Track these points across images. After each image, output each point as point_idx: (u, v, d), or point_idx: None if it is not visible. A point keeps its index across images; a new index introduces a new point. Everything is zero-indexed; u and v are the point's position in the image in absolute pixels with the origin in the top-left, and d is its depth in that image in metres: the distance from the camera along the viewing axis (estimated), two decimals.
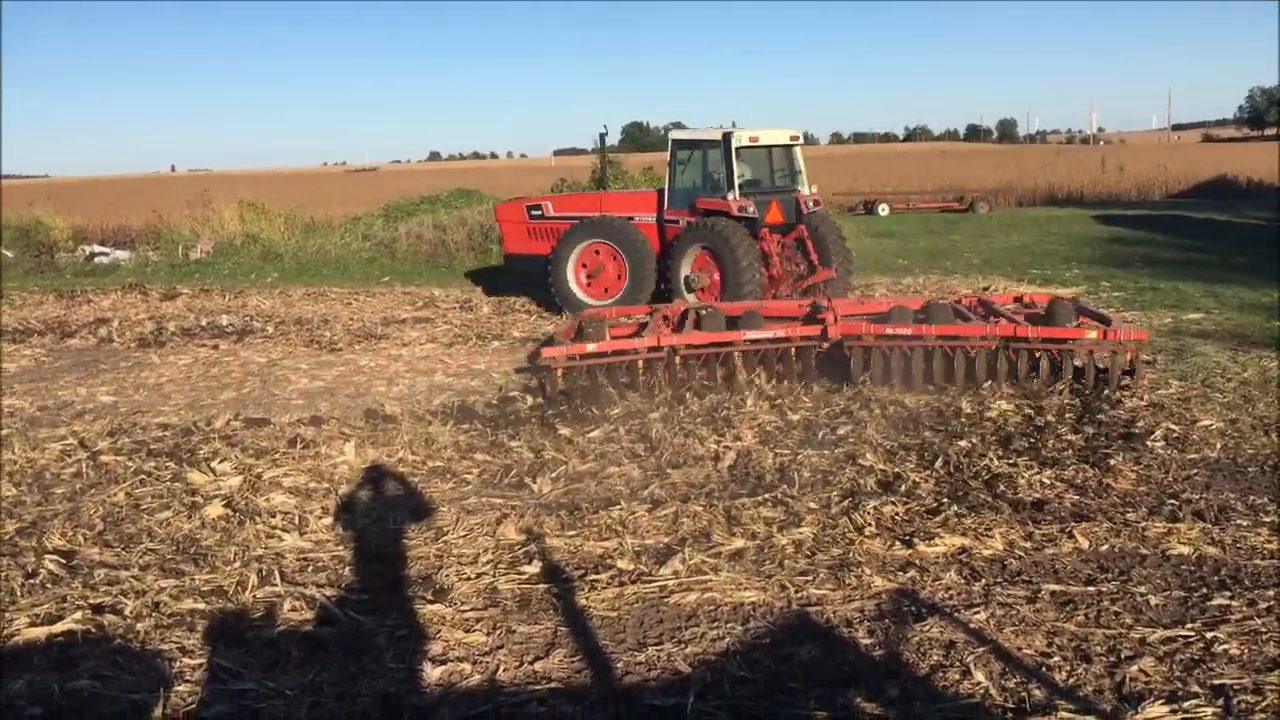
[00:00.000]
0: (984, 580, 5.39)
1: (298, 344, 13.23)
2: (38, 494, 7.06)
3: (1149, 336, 10.34)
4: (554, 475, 7.28)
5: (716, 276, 13.46)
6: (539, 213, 15.69)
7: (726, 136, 13.64)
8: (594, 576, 5.56)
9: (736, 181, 13.60)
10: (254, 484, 7.22)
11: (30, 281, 21.54)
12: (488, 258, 22.36)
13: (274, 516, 6.57)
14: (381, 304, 16.87)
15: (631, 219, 14.66)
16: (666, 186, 14.65)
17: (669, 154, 14.68)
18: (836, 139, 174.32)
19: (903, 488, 6.75)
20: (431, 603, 5.28)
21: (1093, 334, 9.14)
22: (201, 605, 5.28)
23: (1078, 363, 9.20)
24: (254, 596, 5.39)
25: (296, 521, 6.50)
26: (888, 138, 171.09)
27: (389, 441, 8.20)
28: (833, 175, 44.61)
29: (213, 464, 7.62)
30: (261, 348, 13.05)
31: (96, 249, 25.99)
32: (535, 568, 5.69)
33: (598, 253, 14.53)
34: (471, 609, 5.22)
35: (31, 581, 5.58)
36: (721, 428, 8.23)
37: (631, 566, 5.66)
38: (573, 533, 6.17)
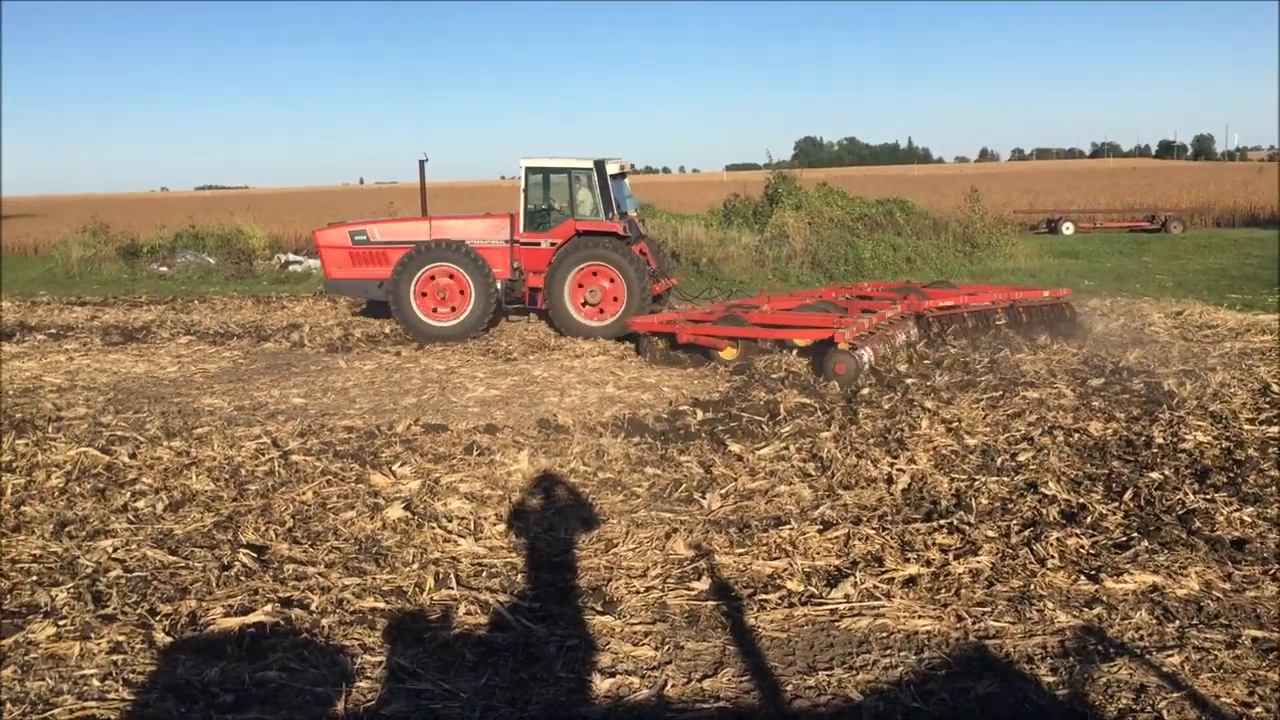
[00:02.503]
0: (1178, 621, 5.09)
1: (475, 353, 13.61)
2: (234, 490, 7.44)
3: (1070, 292, 14.21)
4: (723, 492, 7.26)
5: (607, 289, 14.62)
6: (363, 238, 15.69)
7: (600, 164, 14.77)
8: (763, 596, 5.50)
9: (614, 206, 14.83)
10: (432, 488, 7.44)
11: (230, 287, 22.84)
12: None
13: (450, 521, 6.75)
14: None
15: (465, 242, 15.13)
16: (522, 210, 15.21)
17: (522, 180, 15.20)
18: (1018, 155, 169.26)
19: (1088, 519, 6.46)
20: (601, 614, 5.33)
21: (1045, 293, 13.82)
22: (382, 604, 5.46)
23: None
24: (431, 598, 5.55)
25: (472, 527, 6.66)
26: (1073, 154, 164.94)
27: (561, 452, 8.33)
28: (1013, 192, 43.33)
29: (394, 467, 7.90)
30: (440, 355, 13.48)
31: (290, 257, 27.33)
32: (704, 584, 5.68)
33: (433, 278, 14.95)
34: (640, 622, 5.24)
35: (226, 573, 5.87)
36: (895, 449, 8.06)
37: (801, 588, 5.59)
38: (742, 550, 6.14)
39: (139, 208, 61.01)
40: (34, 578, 5.85)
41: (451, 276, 14.91)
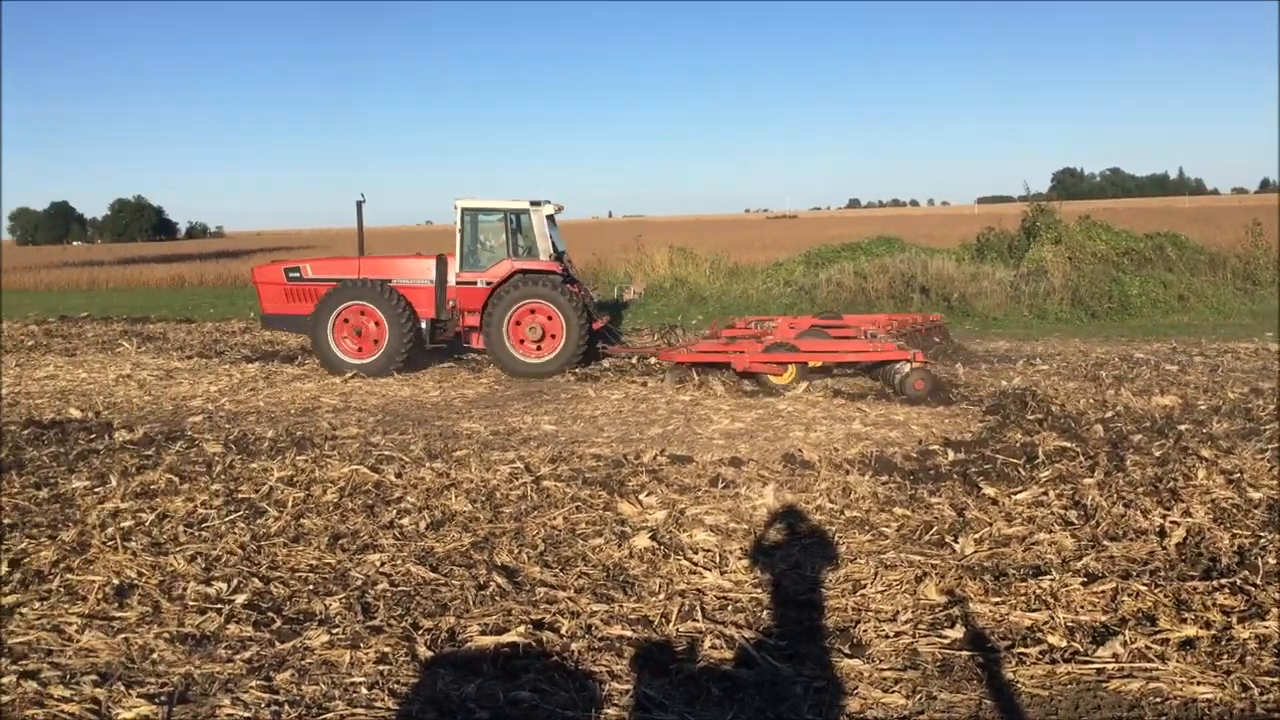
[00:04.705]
0: None
1: (718, 385, 13.65)
2: (489, 512, 7.73)
3: (941, 317, 17.09)
4: (977, 536, 6.96)
5: (546, 326, 15.07)
6: (297, 275, 16.07)
7: (536, 204, 15.40)
8: (1022, 649, 5.22)
9: (554, 246, 15.46)
10: (678, 519, 7.49)
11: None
12: (908, 306, 22.02)
13: (696, 553, 6.77)
14: None
15: (390, 281, 15.49)
16: (457, 250, 15.52)
17: (458, 221, 15.52)
18: None
19: None
20: (849, 657, 5.19)
21: (934, 316, 17.01)
22: (629, 633, 5.52)
23: None
24: (676, 630, 5.56)
25: (717, 560, 6.66)
26: None
27: (806, 488, 8.23)
28: None
29: (641, 496, 8.01)
30: (684, 387, 13.60)
31: None
32: (958, 632, 5.44)
33: (350, 317, 15.30)
34: (890, 668, 5.07)
35: (482, 593, 6.10)
36: (1167, 500, 7.52)
37: (1064, 643, 5.27)
38: (998, 599, 5.85)
39: (405, 240, 64.88)
40: (310, 586, 6.26)
41: (367, 314, 15.24)
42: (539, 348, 15.10)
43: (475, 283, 15.55)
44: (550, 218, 15.96)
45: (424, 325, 15.59)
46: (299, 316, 15.90)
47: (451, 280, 15.64)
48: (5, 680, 4.97)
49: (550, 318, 15.08)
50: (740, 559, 6.68)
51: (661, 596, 6.03)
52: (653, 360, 15.62)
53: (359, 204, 16.46)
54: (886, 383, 12.93)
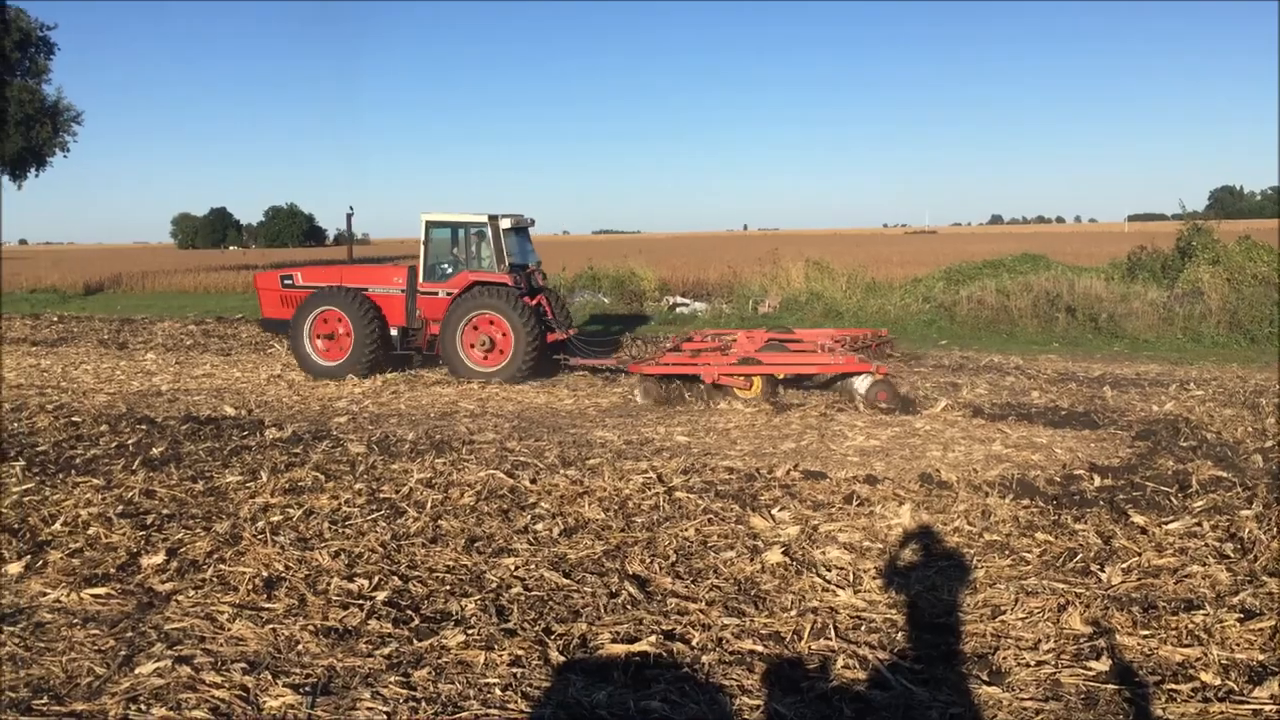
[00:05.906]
0: None
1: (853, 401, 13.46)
2: (621, 520, 7.78)
3: (888, 332, 16.82)
4: (1125, 566, 6.70)
5: (498, 336, 15.46)
6: (290, 282, 16.99)
7: (494, 219, 15.74)
8: (1172, 686, 5.00)
9: (507, 258, 15.73)
10: (810, 535, 7.41)
11: (621, 325, 24.04)
12: (1053, 326, 21.36)
13: (829, 570, 6.69)
14: (932, 367, 16.73)
15: (366, 289, 16.23)
16: (421, 261, 16.15)
17: (423, 233, 16.11)
18: None
19: None
20: (988, 684, 5.05)
21: (882, 331, 16.44)
22: (760, 648, 5.48)
23: None
24: (808, 647, 5.50)
25: (850, 578, 6.56)
26: None
27: (944, 509, 8.05)
28: None
29: (773, 511, 7.95)
30: (816, 403, 13.45)
31: (678, 299, 28.43)
32: (1103, 665, 5.24)
33: (325, 320, 16.12)
34: (1031, 699, 4.91)
35: (614, 601, 6.14)
36: None
37: (1218, 681, 5.02)
38: (1146, 633, 5.62)
39: (543, 250, 66.02)
40: (447, 587, 6.40)
41: (339, 320, 15.94)
42: (502, 353, 15.50)
43: (437, 293, 16.07)
44: (522, 230, 16.54)
45: (394, 332, 16.31)
46: (289, 320, 16.64)
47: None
48: (162, 664, 5.22)
49: (493, 322, 15.49)
50: (874, 578, 6.57)
51: (794, 613, 5.97)
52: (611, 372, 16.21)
53: (348, 216, 17.63)
54: (846, 394, 13.41)
